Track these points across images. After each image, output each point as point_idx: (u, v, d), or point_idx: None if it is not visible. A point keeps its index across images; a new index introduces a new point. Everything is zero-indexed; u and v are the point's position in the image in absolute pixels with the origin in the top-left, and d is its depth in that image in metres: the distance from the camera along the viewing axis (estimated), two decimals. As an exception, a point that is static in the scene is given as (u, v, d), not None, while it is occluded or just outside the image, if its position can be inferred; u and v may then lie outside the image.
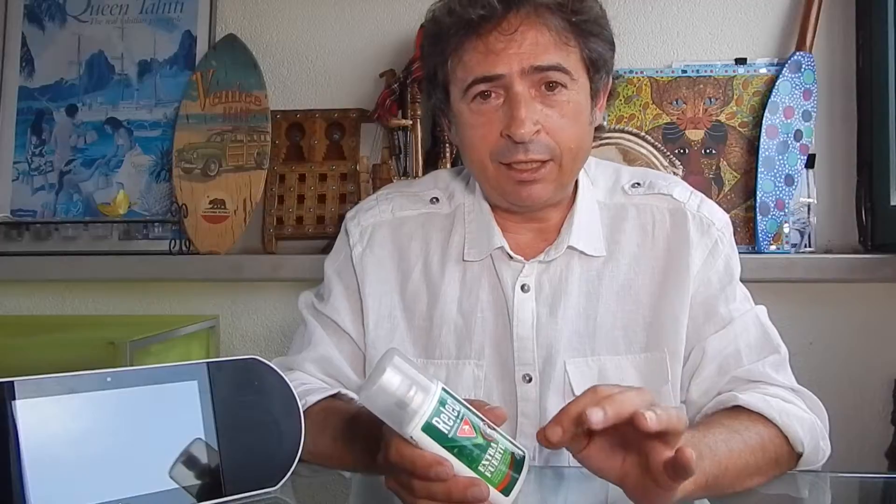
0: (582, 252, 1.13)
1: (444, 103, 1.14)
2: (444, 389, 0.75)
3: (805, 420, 1.02)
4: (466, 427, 0.74)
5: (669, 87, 1.87)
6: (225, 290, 2.00)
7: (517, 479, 0.75)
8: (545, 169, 1.06)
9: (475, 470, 0.73)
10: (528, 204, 1.10)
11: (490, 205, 1.16)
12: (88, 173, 2.00)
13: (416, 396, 0.73)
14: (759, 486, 0.95)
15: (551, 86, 1.05)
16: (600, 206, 1.16)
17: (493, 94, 1.06)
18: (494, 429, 0.76)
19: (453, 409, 0.74)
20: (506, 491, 0.74)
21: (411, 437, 0.73)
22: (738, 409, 1.01)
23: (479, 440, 0.74)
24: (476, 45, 1.05)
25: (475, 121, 1.07)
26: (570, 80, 1.06)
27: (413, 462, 0.75)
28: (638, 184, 1.18)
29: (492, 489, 0.74)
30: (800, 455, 1.00)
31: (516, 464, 0.76)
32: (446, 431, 0.73)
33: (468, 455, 0.73)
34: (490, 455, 0.74)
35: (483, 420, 0.75)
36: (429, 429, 0.73)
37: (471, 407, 0.76)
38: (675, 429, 0.76)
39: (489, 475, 0.73)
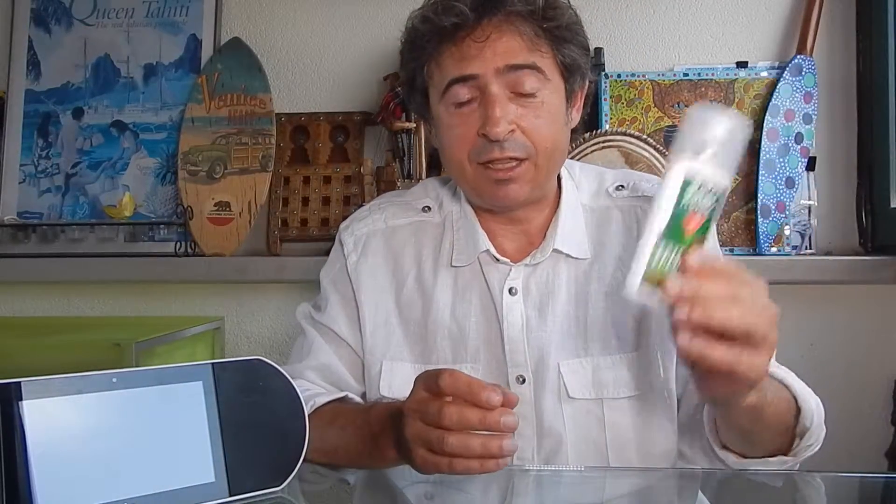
0: (567, 255, 1.14)
1: (424, 108, 1.16)
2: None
3: (812, 398, 1.03)
4: (697, 216, 0.77)
5: (671, 90, 1.88)
6: (230, 292, 2.01)
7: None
8: (521, 168, 1.08)
9: (666, 243, 0.76)
10: (505, 203, 1.12)
11: (474, 209, 1.17)
12: (94, 176, 2.01)
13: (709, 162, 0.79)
14: (767, 451, 0.99)
15: (526, 88, 1.07)
16: (584, 210, 1.18)
17: (470, 98, 1.07)
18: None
19: (706, 194, 0.78)
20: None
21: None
22: None
23: (687, 240, 0.76)
24: (451, 52, 1.08)
25: (453, 122, 1.09)
26: (545, 79, 1.08)
27: (469, 385, 0.82)
28: (622, 186, 1.19)
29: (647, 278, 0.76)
30: (800, 436, 1.00)
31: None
32: (685, 206, 0.76)
33: (674, 233, 0.76)
34: (673, 253, 0.76)
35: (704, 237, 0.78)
36: (685, 186, 0.77)
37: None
38: None
39: (656, 264, 0.76)
